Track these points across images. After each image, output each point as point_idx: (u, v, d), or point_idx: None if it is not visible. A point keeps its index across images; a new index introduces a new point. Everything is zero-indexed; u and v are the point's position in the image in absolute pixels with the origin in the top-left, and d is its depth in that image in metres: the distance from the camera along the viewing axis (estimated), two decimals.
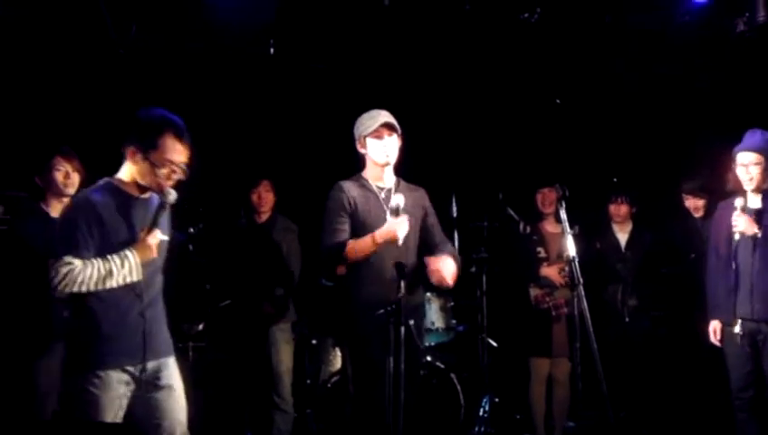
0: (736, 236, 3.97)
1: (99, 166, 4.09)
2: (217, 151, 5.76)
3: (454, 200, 5.40)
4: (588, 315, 3.61)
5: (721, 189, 4.36)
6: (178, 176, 3.03)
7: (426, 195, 3.96)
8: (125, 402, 2.97)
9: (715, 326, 4.10)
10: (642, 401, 5.18)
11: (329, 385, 5.03)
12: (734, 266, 3.96)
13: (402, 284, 3.31)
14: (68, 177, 3.94)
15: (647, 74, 5.65)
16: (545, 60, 5.61)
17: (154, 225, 3.00)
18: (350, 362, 4.43)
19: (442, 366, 4.96)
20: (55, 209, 3.98)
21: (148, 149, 3.00)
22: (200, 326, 5.13)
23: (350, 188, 3.75)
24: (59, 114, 5.18)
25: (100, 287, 2.89)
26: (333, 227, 3.65)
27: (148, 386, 3.03)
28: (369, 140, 3.73)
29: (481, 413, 5.07)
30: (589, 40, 5.40)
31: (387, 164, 3.75)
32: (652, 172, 5.93)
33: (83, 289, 2.87)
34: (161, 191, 3.01)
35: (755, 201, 4.00)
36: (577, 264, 3.69)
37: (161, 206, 3.02)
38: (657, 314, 5.32)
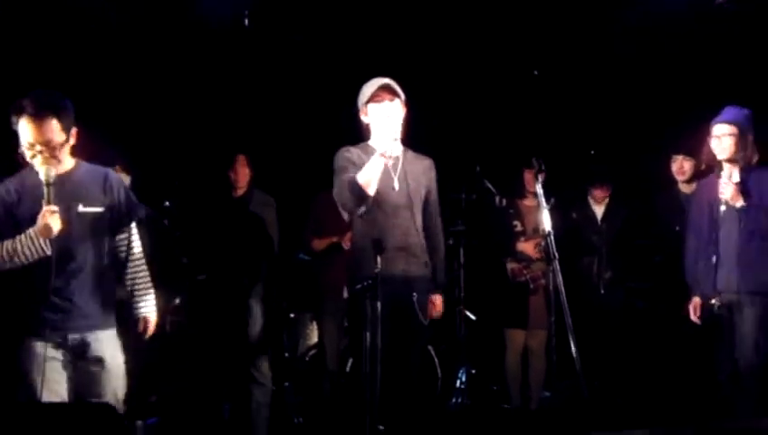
0: (722, 208, 3.98)
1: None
2: (193, 125, 5.71)
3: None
4: (563, 289, 3.64)
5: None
6: (45, 154, 3.05)
7: (433, 167, 3.92)
8: (56, 375, 3.06)
9: (695, 302, 4.13)
10: (616, 372, 5.25)
11: (306, 359, 5.05)
12: (715, 239, 3.98)
13: (378, 259, 3.32)
14: None
15: (624, 46, 5.64)
16: (523, 31, 5.58)
17: (48, 202, 3.02)
18: (329, 337, 4.47)
19: (424, 345, 4.98)
20: None
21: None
22: (177, 300, 5.12)
23: (356, 151, 3.70)
24: (30, 84, 5.09)
25: (10, 265, 3.02)
26: (345, 173, 3.59)
27: (76, 359, 3.11)
28: (370, 107, 3.67)
29: (458, 385, 5.13)
30: (567, 11, 5.37)
31: (391, 130, 3.62)
32: (629, 144, 5.95)
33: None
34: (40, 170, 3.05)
35: (735, 175, 4.02)
36: (553, 239, 3.71)
37: (45, 184, 3.03)
38: (632, 285, 5.38)
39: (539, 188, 3.82)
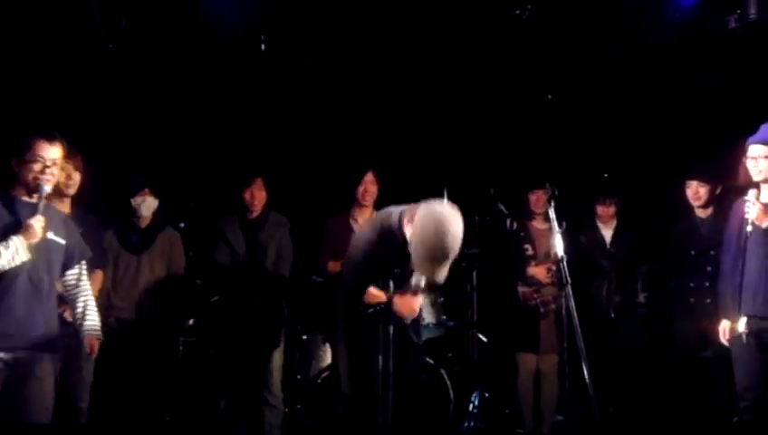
0: (749, 228, 3.92)
1: (90, 159, 4.13)
2: (209, 147, 5.77)
3: (445, 195, 5.41)
4: (575, 314, 3.64)
5: (727, 184, 4.36)
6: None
7: None
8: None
9: (724, 326, 4.07)
10: (630, 397, 5.22)
11: (319, 381, 5.05)
12: (742, 261, 3.92)
13: (391, 283, 3.33)
14: (69, 177, 3.97)
15: (637, 72, 5.66)
16: (536, 56, 5.61)
17: (35, 211, 3.30)
18: (343, 360, 4.47)
19: (432, 362, 4.98)
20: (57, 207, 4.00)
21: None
22: (191, 321, 5.15)
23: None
24: (51, 109, 5.18)
25: None
26: None
27: (17, 376, 3.26)
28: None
29: (471, 408, 5.10)
30: (579, 37, 5.40)
31: None
32: (641, 169, 5.95)
33: None
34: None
35: (765, 196, 3.97)
36: (566, 264, 3.71)
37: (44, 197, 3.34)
38: (648, 310, 5.36)
39: (552, 213, 3.83)
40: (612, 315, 5.15)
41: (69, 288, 3.60)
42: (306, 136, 5.85)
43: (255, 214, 4.77)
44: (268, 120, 5.80)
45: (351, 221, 4.78)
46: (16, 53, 4.95)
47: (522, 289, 5.12)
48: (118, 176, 4.91)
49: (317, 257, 4.85)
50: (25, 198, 3.37)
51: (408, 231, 3.40)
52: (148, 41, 5.16)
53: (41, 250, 3.33)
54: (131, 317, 4.71)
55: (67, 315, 3.97)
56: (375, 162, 4.89)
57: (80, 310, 3.61)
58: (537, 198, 5.16)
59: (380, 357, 3.42)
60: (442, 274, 3.42)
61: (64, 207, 4.04)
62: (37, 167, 3.31)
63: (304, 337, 5.28)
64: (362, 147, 5.77)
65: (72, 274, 3.59)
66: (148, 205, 4.72)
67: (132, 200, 4.70)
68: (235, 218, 4.76)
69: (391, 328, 3.35)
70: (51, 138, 3.37)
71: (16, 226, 3.28)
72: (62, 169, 3.91)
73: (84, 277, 3.62)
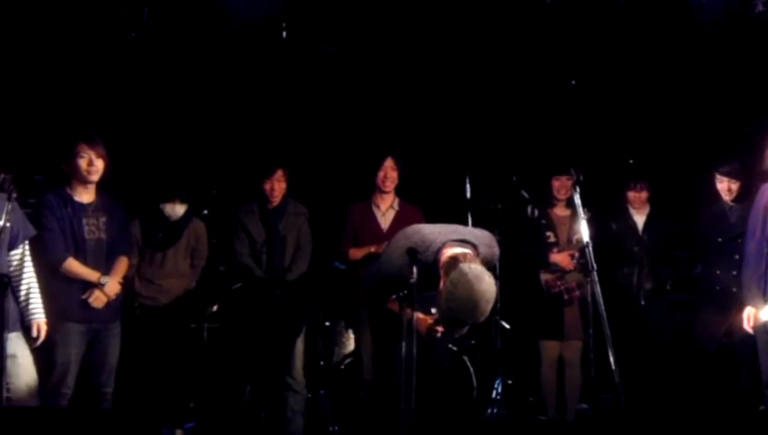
0: None
1: (114, 148, 4.16)
2: (231, 134, 5.78)
3: (468, 182, 5.38)
4: (601, 300, 3.60)
5: (757, 173, 4.29)
6: None
7: None
8: None
9: (749, 313, 4.02)
10: (657, 385, 5.18)
11: (342, 367, 5.06)
12: (767, 249, 3.88)
13: (414, 270, 3.31)
14: (91, 163, 4.00)
15: (663, 56, 5.58)
16: (560, 41, 5.55)
17: None
18: (366, 346, 4.47)
19: (455, 349, 4.97)
20: (81, 195, 4.03)
21: None
22: (214, 308, 5.17)
23: None
24: (73, 98, 5.21)
25: None
26: None
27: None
28: None
29: (494, 395, 5.09)
30: (604, 21, 5.33)
31: None
32: (668, 155, 5.88)
33: None
34: None
35: None
36: (591, 249, 3.67)
37: None
38: (672, 297, 5.30)
39: (577, 199, 3.78)
40: (642, 303, 5.10)
41: (13, 270, 3.61)
42: (328, 123, 5.84)
43: (275, 204, 4.77)
44: (289, 107, 5.79)
45: (374, 207, 4.78)
46: (40, 42, 4.98)
47: (545, 276, 5.08)
48: (144, 162, 4.94)
49: (339, 244, 4.85)
50: None
51: (441, 282, 3.24)
52: (170, 30, 5.17)
53: None
54: (155, 304, 4.75)
55: (92, 300, 4.01)
56: (395, 148, 4.88)
57: (23, 293, 3.62)
58: (561, 184, 5.11)
59: (404, 343, 3.41)
60: (460, 331, 3.42)
61: (88, 194, 4.07)
62: None
63: (327, 323, 5.29)
64: (384, 134, 5.75)
65: (15, 254, 3.60)
66: (177, 211, 4.77)
67: (162, 206, 4.75)
68: (255, 208, 4.76)
69: (415, 314, 3.33)
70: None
71: None
72: (83, 155, 3.97)
73: (28, 258, 3.63)
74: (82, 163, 3.97)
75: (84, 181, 4.02)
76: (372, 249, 4.59)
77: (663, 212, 5.28)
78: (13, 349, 3.46)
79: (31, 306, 3.63)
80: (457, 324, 3.34)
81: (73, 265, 3.97)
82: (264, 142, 5.60)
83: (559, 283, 5.04)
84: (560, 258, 5.05)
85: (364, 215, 4.73)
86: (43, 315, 3.67)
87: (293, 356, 4.70)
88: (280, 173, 4.72)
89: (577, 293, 4.98)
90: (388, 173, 4.74)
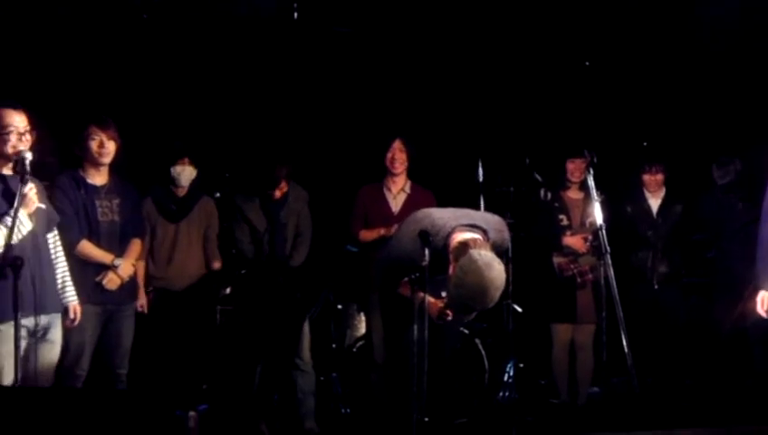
0: None
1: (125, 130, 4.16)
2: (242, 117, 5.77)
3: (480, 165, 5.36)
4: (614, 283, 3.58)
5: None
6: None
7: None
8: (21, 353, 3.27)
9: (763, 296, 3.98)
10: (670, 368, 5.16)
11: (354, 350, 5.07)
12: None
13: (426, 252, 3.30)
14: (102, 145, 4.00)
15: (677, 37, 5.52)
16: (574, 22, 5.49)
17: (23, 180, 3.31)
18: (377, 329, 4.47)
19: (466, 332, 4.97)
20: (93, 178, 4.04)
21: None
22: (227, 290, 5.19)
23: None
24: (85, 80, 5.21)
25: (3, 242, 3.24)
26: None
27: (35, 339, 3.38)
28: None
29: (505, 378, 5.09)
30: (619, 1, 5.27)
31: None
32: (683, 137, 5.82)
33: None
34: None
35: None
36: (604, 232, 3.64)
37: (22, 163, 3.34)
38: (687, 281, 5.26)
39: (591, 181, 3.75)
40: (656, 286, 5.07)
41: (51, 253, 3.61)
42: (340, 105, 5.82)
43: (278, 194, 4.73)
44: (301, 89, 5.77)
45: (385, 190, 4.75)
46: (52, 23, 4.98)
47: (557, 259, 5.06)
48: (155, 144, 4.93)
49: (350, 226, 4.84)
50: (6, 171, 3.41)
51: (450, 267, 3.26)
52: (181, 11, 5.16)
53: (35, 218, 3.41)
54: (169, 286, 4.77)
55: (106, 282, 4.03)
56: (407, 131, 4.85)
57: (60, 277, 3.63)
58: (575, 167, 5.08)
59: (415, 326, 3.41)
60: (469, 316, 3.40)
61: (101, 176, 4.07)
62: (13, 137, 3.34)
63: (339, 306, 5.30)
64: (396, 116, 5.73)
65: (51, 236, 3.61)
66: (187, 174, 4.74)
67: (172, 169, 4.72)
68: (255, 197, 4.73)
69: (427, 296, 3.33)
70: (15, 106, 3.40)
71: (9, 200, 3.32)
72: (94, 138, 3.98)
73: (59, 243, 3.65)
74: (94, 145, 3.98)
75: (96, 163, 4.02)
76: (383, 232, 4.58)
77: (678, 195, 5.24)
78: (54, 333, 3.49)
79: (67, 291, 3.66)
80: (466, 310, 3.35)
81: (87, 248, 3.99)
82: (275, 124, 5.58)
83: (572, 266, 5.02)
84: (573, 241, 5.02)
85: (375, 197, 4.71)
86: (76, 298, 3.69)
87: (301, 338, 4.71)
88: (284, 171, 4.67)
89: (590, 276, 4.96)
90: (396, 154, 4.71)
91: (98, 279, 4.01)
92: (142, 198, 4.54)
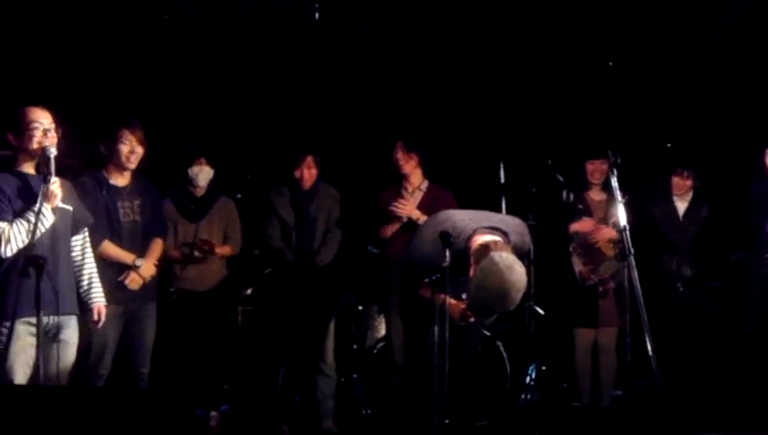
0: None
1: (146, 131, 4.17)
2: (263, 118, 5.78)
3: (502, 166, 5.32)
4: (638, 285, 3.54)
5: None
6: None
7: None
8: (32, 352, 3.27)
9: None
10: (695, 372, 5.09)
11: (375, 351, 5.06)
12: None
13: (447, 253, 3.28)
14: (132, 151, 4.03)
15: (703, 37, 5.45)
16: (597, 22, 5.45)
17: (49, 175, 3.35)
18: (396, 331, 4.46)
19: (488, 334, 4.94)
20: (116, 179, 4.06)
21: None
22: (248, 291, 5.20)
23: None
24: (106, 80, 5.25)
25: (28, 239, 3.28)
26: None
27: (49, 339, 3.38)
28: None
29: (527, 381, 5.05)
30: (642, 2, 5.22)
31: None
32: (710, 137, 5.74)
33: (19, 244, 3.31)
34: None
35: None
36: (628, 233, 3.60)
37: (52, 158, 3.37)
38: (713, 284, 5.19)
39: (614, 182, 3.71)
40: (681, 289, 5.01)
41: (75, 255, 3.64)
42: (361, 106, 5.81)
43: (306, 187, 4.77)
44: (322, 90, 5.77)
45: (402, 191, 4.75)
46: (74, 24, 5.02)
47: (578, 268, 5.02)
48: (174, 146, 4.96)
49: (371, 228, 4.83)
50: (31, 170, 3.44)
51: (471, 270, 3.25)
52: (203, 12, 5.17)
53: (58, 217, 3.42)
54: (191, 287, 4.79)
55: (128, 282, 4.05)
56: (430, 132, 4.84)
57: (86, 279, 3.65)
58: (595, 168, 5.04)
59: (436, 328, 3.39)
60: (490, 319, 3.39)
61: (124, 177, 4.10)
62: (38, 133, 3.37)
63: (360, 308, 5.29)
64: (418, 116, 5.71)
65: (77, 240, 3.63)
66: (204, 174, 4.77)
67: (189, 170, 4.75)
68: (286, 191, 4.76)
69: (448, 298, 3.31)
70: (38, 104, 3.44)
71: (33, 196, 3.34)
72: (125, 142, 4.00)
73: (88, 245, 3.67)
74: (124, 150, 3.99)
75: (123, 168, 4.05)
76: (404, 218, 4.57)
77: (704, 197, 5.17)
78: (67, 333, 3.49)
79: (93, 292, 3.67)
80: (487, 313, 3.34)
81: (109, 249, 4.01)
82: (296, 125, 5.59)
83: (593, 275, 4.97)
84: (580, 225, 4.96)
85: (392, 198, 4.72)
86: (103, 299, 3.71)
87: (326, 340, 4.71)
88: (309, 160, 4.71)
89: (611, 284, 4.91)
90: (400, 156, 4.72)
91: (120, 279, 4.04)
92: (163, 199, 4.56)
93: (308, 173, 4.71)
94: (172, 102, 5.54)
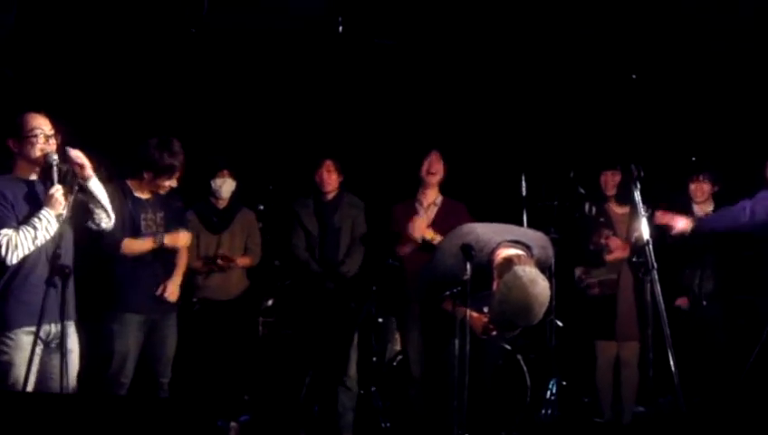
0: None
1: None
2: (287, 130, 5.81)
3: (523, 179, 5.31)
4: (661, 300, 3.50)
5: None
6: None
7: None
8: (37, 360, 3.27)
9: None
10: (718, 388, 5.02)
11: (394, 363, 5.05)
12: None
13: (468, 266, 3.27)
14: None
15: (726, 48, 5.40)
16: (619, 34, 5.42)
17: (52, 183, 3.35)
18: (414, 344, 4.45)
19: (508, 347, 4.91)
20: (141, 192, 4.12)
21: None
22: (269, 302, 5.22)
23: None
24: (133, 92, 5.31)
25: (33, 246, 3.29)
26: None
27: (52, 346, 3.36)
28: None
29: (548, 396, 5.01)
30: (664, 11, 5.18)
31: None
32: (735, 150, 5.68)
33: (25, 251, 3.29)
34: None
35: None
36: (651, 248, 3.57)
37: (55, 166, 3.37)
38: (737, 298, 5.12)
39: (637, 196, 3.69)
40: (704, 303, 4.95)
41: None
42: (383, 118, 5.82)
43: (330, 196, 4.79)
44: (345, 102, 5.80)
45: (417, 205, 4.74)
46: (99, 36, 5.08)
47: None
48: (197, 157, 5.01)
49: (388, 244, 4.84)
50: (32, 176, 3.43)
51: (495, 283, 3.24)
52: (228, 25, 5.22)
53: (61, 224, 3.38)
54: (213, 297, 4.82)
55: (167, 295, 4.08)
56: (446, 143, 4.84)
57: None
58: (607, 179, 5.04)
59: (456, 340, 3.38)
60: (513, 333, 3.37)
61: (143, 192, 4.14)
62: (40, 139, 3.36)
63: (380, 320, 5.29)
64: (439, 129, 5.71)
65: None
66: (227, 186, 4.81)
67: (212, 182, 4.80)
68: (310, 202, 4.79)
69: (468, 311, 3.30)
70: (37, 110, 3.43)
71: (36, 203, 3.35)
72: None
73: None
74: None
75: (155, 190, 4.11)
76: (418, 240, 4.56)
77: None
78: (71, 341, 3.46)
79: None
80: (510, 327, 3.32)
81: (131, 244, 4.02)
82: (318, 136, 5.61)
83: (584, 277, 4.99)
84: (613, 256, 4.94)
85: (407, 213, 4.71)
86: None
87: (350, 353, 4.71)
88: (329, 163, 4.73)
89: (596, 290, 4.95)
90: (433, 166, 4.71)
91: (158, 292, 4.06)
92: (186, 211, 4.60)
93: (328, 177, 4.72)
94: (195, 115, 5.59)
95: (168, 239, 4.08)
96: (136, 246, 4.03)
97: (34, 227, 3.29)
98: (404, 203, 4.79)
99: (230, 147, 5.48)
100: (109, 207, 3.51)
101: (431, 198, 4.73)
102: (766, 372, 4.71)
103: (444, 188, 4.79)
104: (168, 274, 4.14)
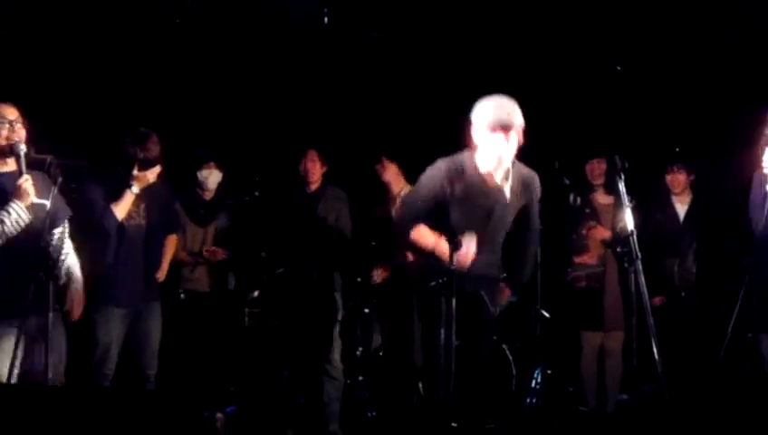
0: None
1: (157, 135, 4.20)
2: (273, 123, 5.80)
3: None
4: (645, 290, 3.54)
5: None
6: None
7: (537, 181, 3.99)
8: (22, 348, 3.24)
9: None
10: (700, 376, 5.08)
11: (380, 353, 5.06)
12: None
13: (455, 257, 3.29)
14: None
15: (711, 40, 5.44)
16: (604, 26, 5.45)
17: (20, 172, 3.30)
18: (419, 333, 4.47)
19: (494, 337, 4.93)
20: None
21: None
22: (255, 293, 5.22)
23: (451, 171, 3.73)
24: (117, 84, 5.28)
25: (1, 240, 3.25)
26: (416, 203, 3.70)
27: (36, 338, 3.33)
28: (487, 133, 3.74)
29: (533, 384, 5.05)
30: (648, 4, 5.21)
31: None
32: (716, 141, 5.73)
33: None
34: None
35: None
36: (635, 238, 3.60)
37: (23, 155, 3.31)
38: (717, 289, 5.17)
39: (621, 187, 3.71)
40: (683, 294, 5.00)
41: (54, 248, 3.54)
42: (370, 111, 5.82)
43: (314, 187, 4.79)
44: (331, 95, 5.78)
45: (389, 204, 4.82)
46: (84, 28, 5.05)
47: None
48: (183, 149, 4.99)
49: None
50: (3, 167, 3.39)
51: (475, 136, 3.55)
52: (213, 16, 5.19)
53: (33, 213, 3.35)
54: (200, 289, 4.81)
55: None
56: (424, 135, 4.88)
57: (65, 272, 3.60)
58: (592, 168, 5.07)
59: (442, 331, 3.40)
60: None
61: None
62: (4, 129, 3.33)
63: (366, 310, 5.29)
64: (425, 123, 5.72)
65: (57, 232, 3.55)
66: (213, 177, 4.80)
67: (199, 173, 4.79)
68: (294, 193, 4.81)
69: (454, 301, 3.32)
70: (2, 100, 3.39)
71: (4, 194, 3.31)
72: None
73: (66, 237, 3.62)
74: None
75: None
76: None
77: (707, 201, 5.15)
78: (38, 333, 3.40)
79: (74, 284, 3.63)
80: (502, 125, 3.69)
81: (115, 207, 3.96)
82: (304, 129, 5.60)
83: (568, 269, 5.05)
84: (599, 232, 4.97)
85: (383, 213, 4.77)
86: (81, 293, 3.66)
87: (330, 342, 4.72)
88: (312, 154, 4.74)
89: (583, 284, 5.02)
90: (382, 171, 4.86)
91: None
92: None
93: (312, 166, 4.73)
94: (181, 106, 5.57)
95: (137, 182, 3.99)
96: (119, 208, 3.97)
97: (1, 221, 3.25)
98: (380, 207, 4.90)
99: (216, 138, 5.46)
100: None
101: (396, 191, 4.86)
102: (740, 359, 4.77)
103: None
104: (152, 268, 4.11)
